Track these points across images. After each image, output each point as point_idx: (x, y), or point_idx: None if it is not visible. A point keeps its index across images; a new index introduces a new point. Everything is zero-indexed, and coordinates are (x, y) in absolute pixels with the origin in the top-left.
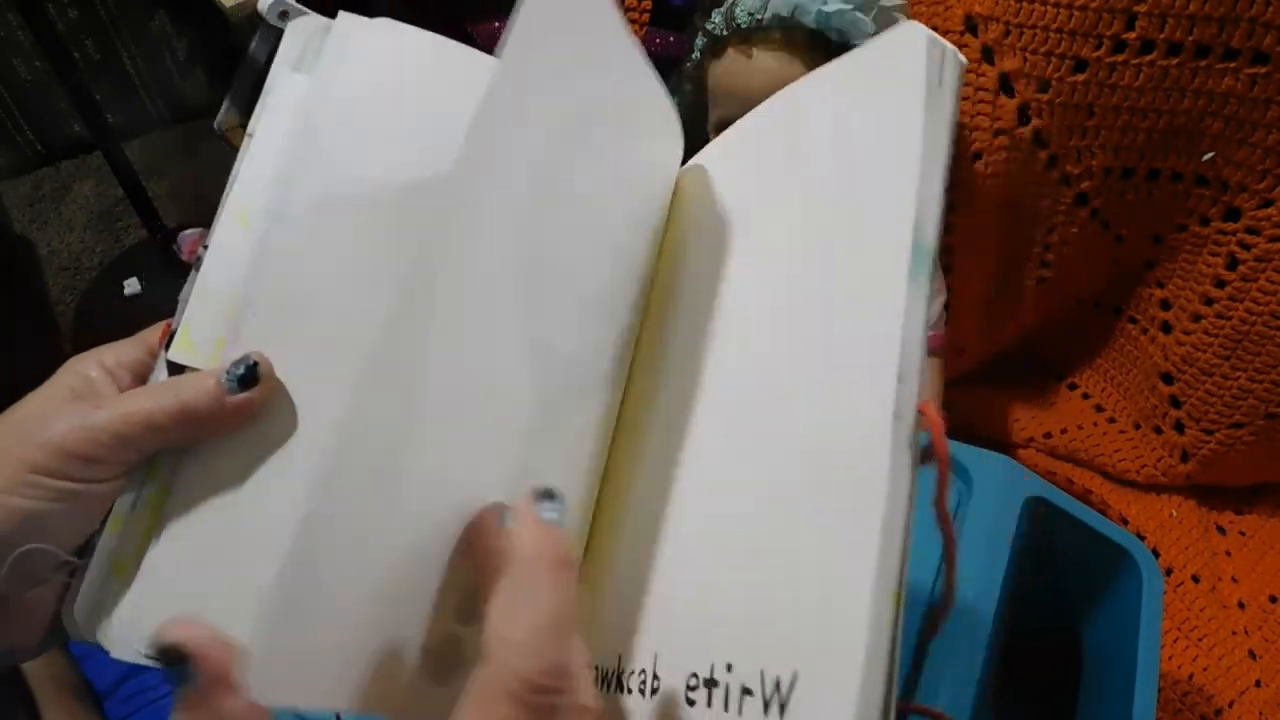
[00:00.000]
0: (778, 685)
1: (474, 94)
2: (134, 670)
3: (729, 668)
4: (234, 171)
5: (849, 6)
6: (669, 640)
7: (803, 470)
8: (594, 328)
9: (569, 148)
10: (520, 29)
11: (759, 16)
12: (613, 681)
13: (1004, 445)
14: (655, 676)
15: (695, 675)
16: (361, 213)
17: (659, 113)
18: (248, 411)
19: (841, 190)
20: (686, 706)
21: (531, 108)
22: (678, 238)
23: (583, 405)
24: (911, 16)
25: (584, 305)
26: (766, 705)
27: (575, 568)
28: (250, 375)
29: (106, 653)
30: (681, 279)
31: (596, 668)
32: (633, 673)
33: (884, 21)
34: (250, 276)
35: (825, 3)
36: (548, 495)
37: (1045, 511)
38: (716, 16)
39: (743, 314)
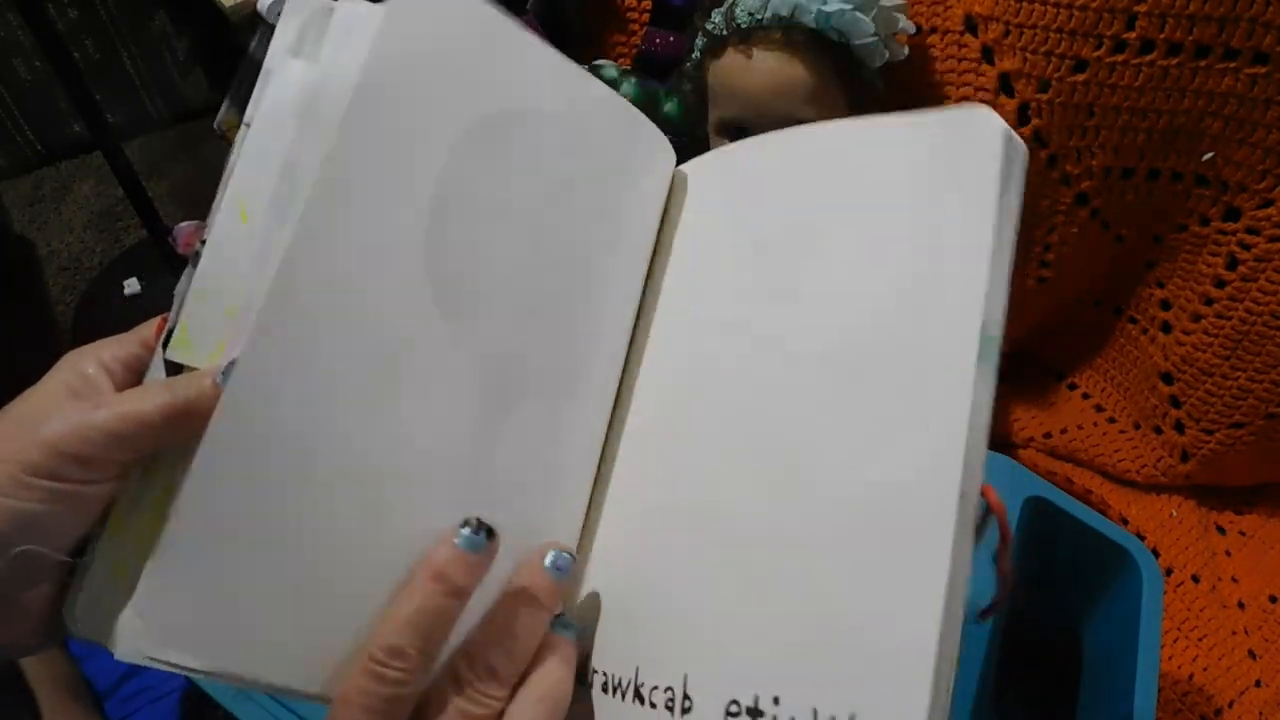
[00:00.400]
0: None
1: (493, 79)
2: (134, 670)
3: (776, 700)
4: (230, 163)
5: (849, 6)
6: (701, 661)
7: (862, 525)
8: (547, 329)
9: (475, 162)
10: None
11: (759, 16)
12: (628, 691)
13: (1004, 445)
14: (686, 696)
15: (736, 703)
16: (371, 206)
17: (614, 117)
18: None
19: (908, 268)
20: None
21: (413, 131)
22: (695, 246)
23: (552, 403)
24: (911, 17)
25: (528, 308)
26: None
27: (452, 584)
28: None
29: (110, 652)
30: (704, 296)
31: (607, 674)
32: (656, 688)
33: (884, 21)
34: (254, 274)
35: (825, 2)
36: (469, 525)
37: (1045, 511)
38: (716, 16)
39: (786, 353)
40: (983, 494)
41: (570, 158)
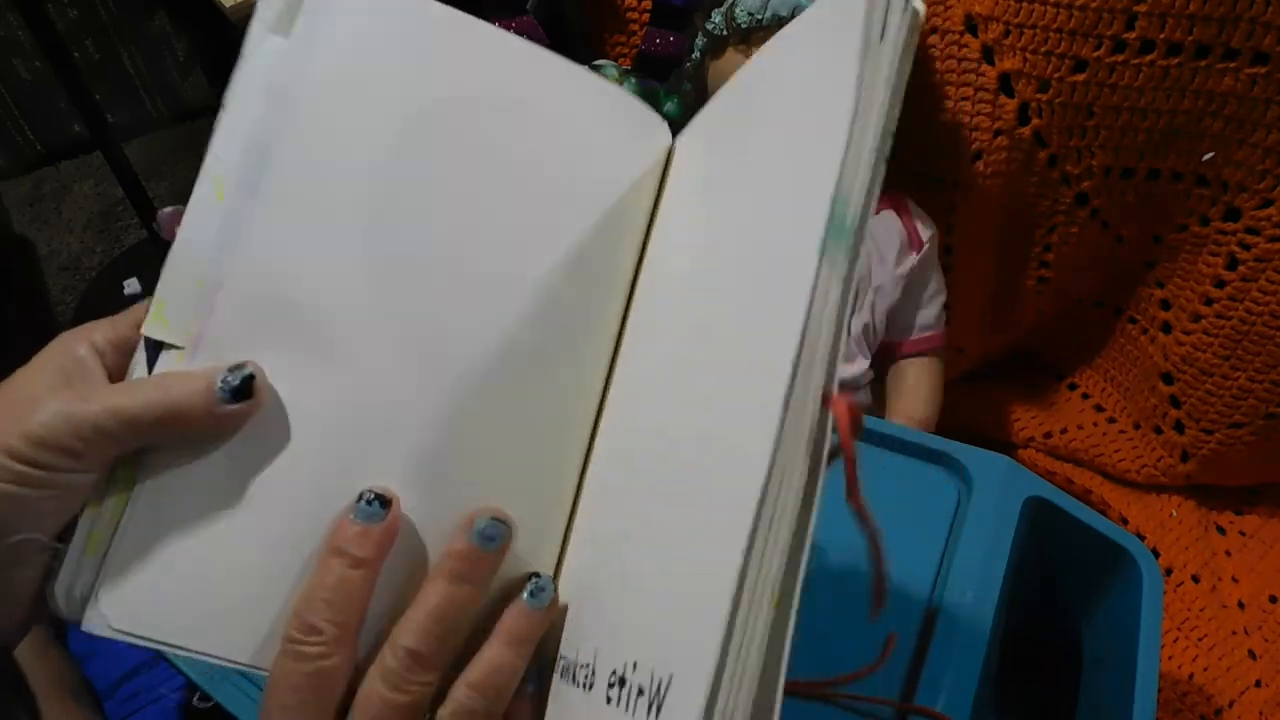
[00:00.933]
0: (659, 686)
1: (460, 59)
2: (134, 670)
3: (634, 666)
4: (210, 143)
5: None
6: (605, 635)
7: (692, 459)
8: (501, 312)
9: (419, 151)
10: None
11: (759, 16)
12: (577, 675)
13: (1004, 445)
14: (593, 672)
15: (614, 673)
16: (339, 187)
17: (595, 101)
18: (238, 424)
19: (774, 160)
20: (605, 705)
21: (351, 118)
22: (662, 221)
23: (511, 384)
24: None
25: (480, 292)
26: (650, 707)
27: (353, 557)
28: (245, 388)
29: (100, 642)
30: (655, 261)
31: (564, 657)
32: (582, 666)
33: None
34: (223, 253)
35: None
36: (363, 498)
37: (1045, 511)
38: (716, 16)
39: (674, 299)
40: (825, 405)
41: (538, 142)
